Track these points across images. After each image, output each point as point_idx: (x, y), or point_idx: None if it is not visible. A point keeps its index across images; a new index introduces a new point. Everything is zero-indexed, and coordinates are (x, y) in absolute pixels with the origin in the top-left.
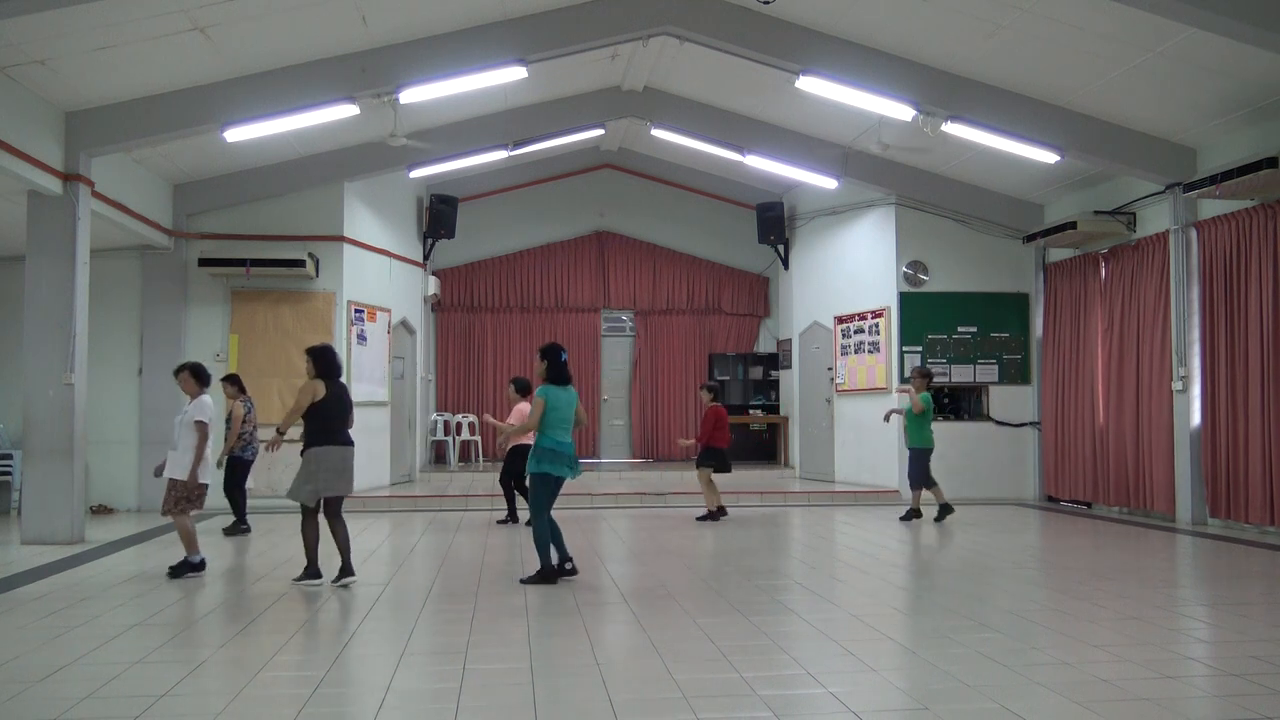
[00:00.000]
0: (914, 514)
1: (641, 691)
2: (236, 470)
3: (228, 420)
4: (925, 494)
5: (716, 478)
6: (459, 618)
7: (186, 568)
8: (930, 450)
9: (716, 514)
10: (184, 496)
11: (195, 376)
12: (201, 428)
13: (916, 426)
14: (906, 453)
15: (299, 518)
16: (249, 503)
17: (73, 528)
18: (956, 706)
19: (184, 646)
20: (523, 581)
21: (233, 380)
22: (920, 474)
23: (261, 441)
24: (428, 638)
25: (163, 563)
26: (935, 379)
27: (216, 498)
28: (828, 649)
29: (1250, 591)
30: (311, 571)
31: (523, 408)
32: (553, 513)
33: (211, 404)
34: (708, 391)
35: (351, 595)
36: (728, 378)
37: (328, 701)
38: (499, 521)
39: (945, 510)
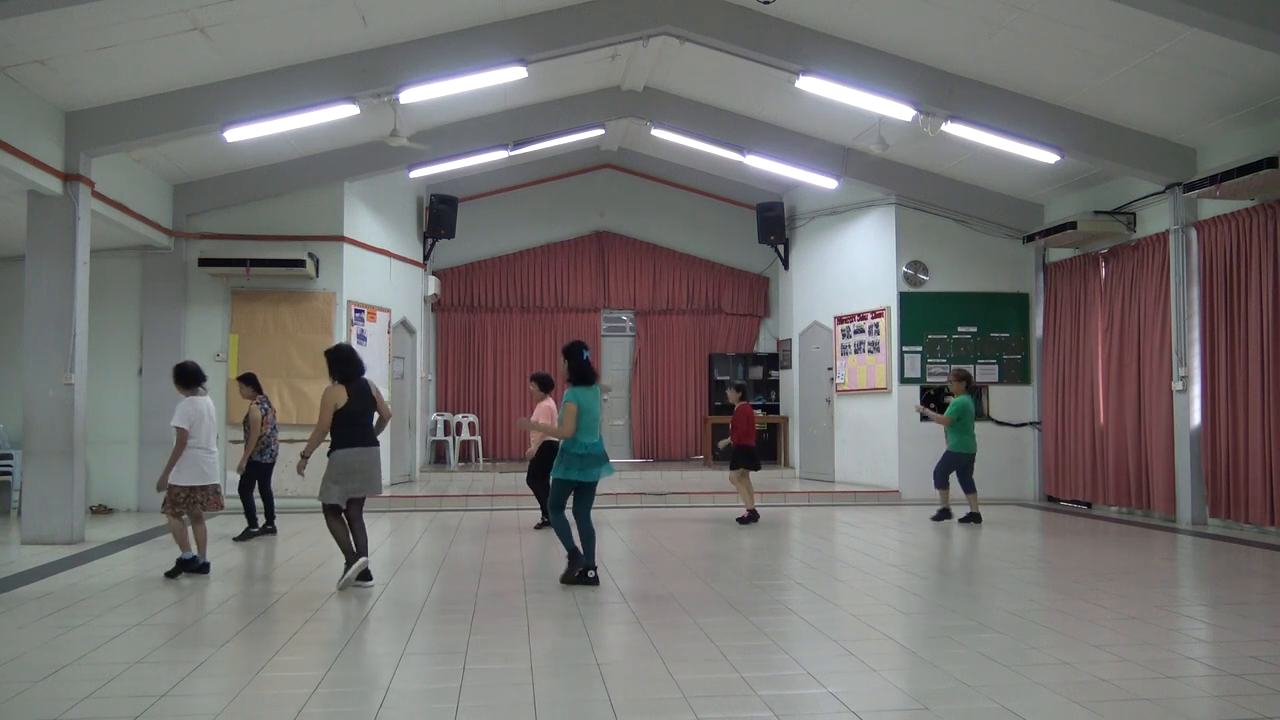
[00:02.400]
0: (946, 515)
1: (641, 691)
2: (253, 474)
3: (245, 423)
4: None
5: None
6: (459, 618)
7: (180, 566)
8: (960, 455)
9: (753, 516)
10: (176, 501)
11: (176, 379)
12: (177, 434)
13: (950, 430)
14: (906, 453)
15: (315, 517)
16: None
17: (73, 528)
18: (956, 706)
19: (184, 646)
20: (564, 581)
21: (248, 380)
22: (941, 474)
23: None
24: (428, 638)
25: (163, 563)
26: (933, 379)
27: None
28: (828, 649)
29: (1250, 591)
30: (350, 559)
31: (549, 405)
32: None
33: (191, 406)
34: (737, 390)
35: (351, 595)
36: (728, 377)
37: (328, 701)
38: (537, 526)
39: (944, 515)
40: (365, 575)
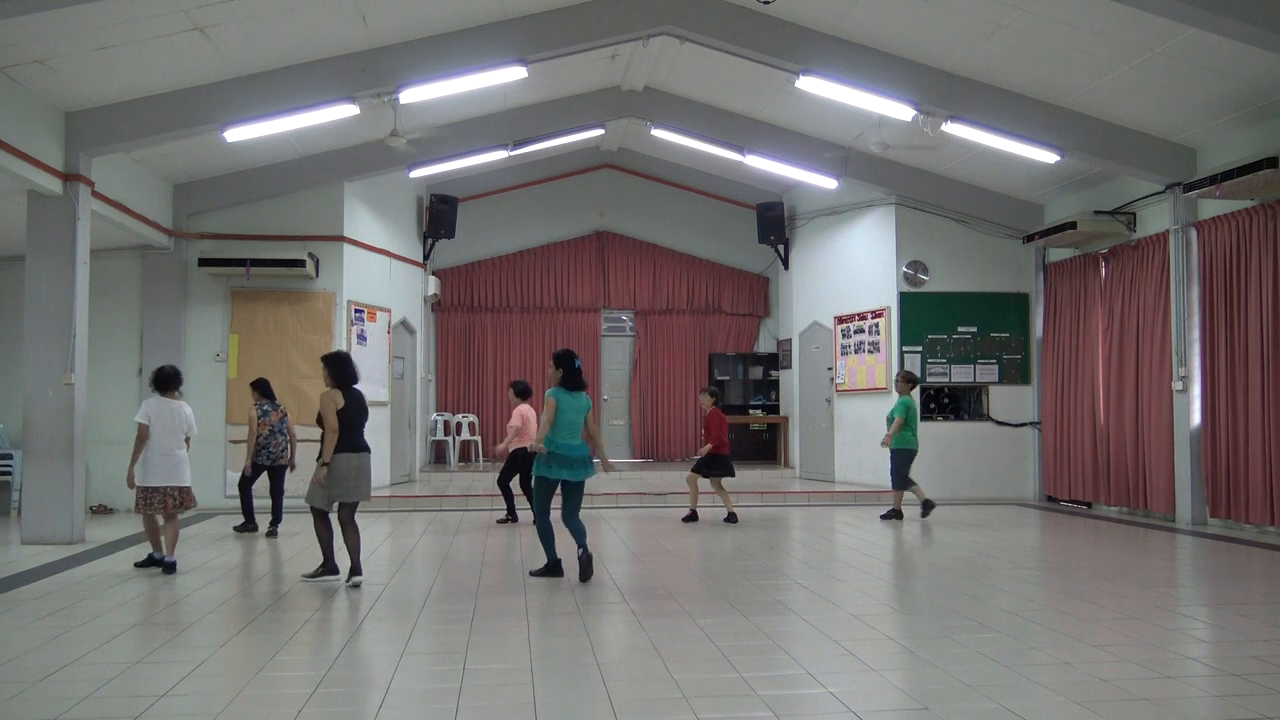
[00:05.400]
0: (895, 514)
1: (641, 691)
2: (256, 475)
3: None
4: (907, 495)
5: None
6: (459, 618)
7: (149, 561)
8: (907, 452)
9: (694, 516)
10: (141, 499)
11: (152, 382)
12: (138, 429)
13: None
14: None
15: (309, 518)
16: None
17: (73, 528)
18: (956, 706)
19: (184, 646)
20: (532, 574)
21: (254, 385)
22: (898, 475)
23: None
24: (428, 638)
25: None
26: (934, 379)
27: (209, 498)
28: (828, 649)
29: (1250, 591)
30: (329, 567)
31: (523, 410)
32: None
33: (154, 404)
34: (711, 395)
35: (352, 595)
36: (728, 378)
37: (328, 701)
38: (499, 521)
39: (928, 506)
40: (356, 572)
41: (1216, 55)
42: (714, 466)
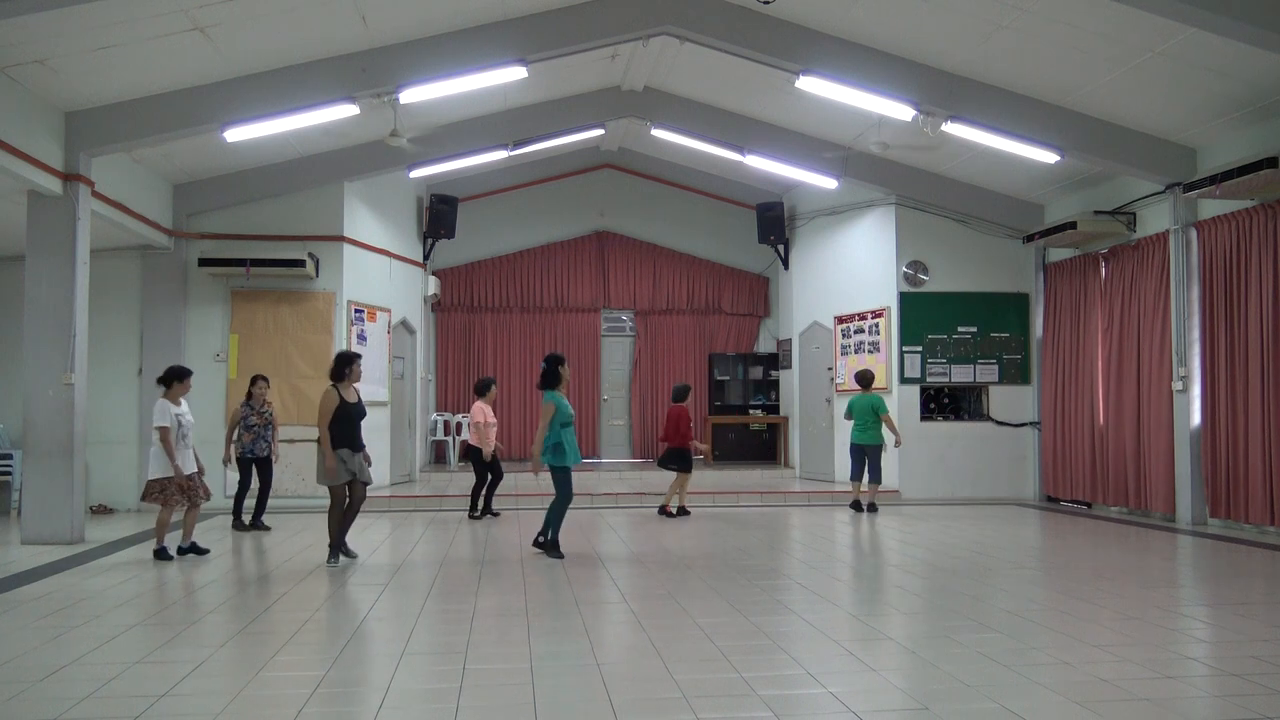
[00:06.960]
0: (871, 507)
1: (641, 691)
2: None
3: (269, 419)
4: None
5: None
6: (459, 618)
7: (194, 550)
8: (875, 447)
9: (682, 512)
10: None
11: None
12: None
13: (871, 427)
14: (905, 453)
15: (314, 516)
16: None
17: (73, 528)
18: (956, 706)
19: (184, 646)
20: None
21: (264, 379)
22: (876, 468)
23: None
24: (428, 638)
25: (165, 563)
26: (934, 379)
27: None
28: (828, 649)
29: (1250, 591)
30: (347, 550)
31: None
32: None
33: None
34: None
35: (352, 594)
36: (728, 378)
37: (328, 701)
38: (487, 514)
39: (858, 507)
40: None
41: (1216, 55)
42: (684, 462)
